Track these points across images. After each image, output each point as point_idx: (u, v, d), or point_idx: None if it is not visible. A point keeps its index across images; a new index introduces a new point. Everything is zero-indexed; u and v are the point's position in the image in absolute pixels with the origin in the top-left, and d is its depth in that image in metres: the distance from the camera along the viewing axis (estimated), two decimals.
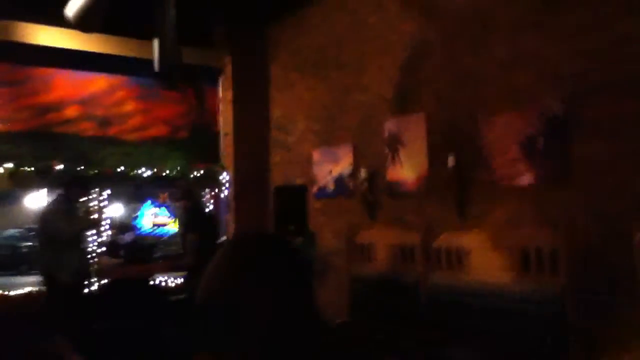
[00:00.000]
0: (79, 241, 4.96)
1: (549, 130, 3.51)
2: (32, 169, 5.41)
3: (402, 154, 4.64)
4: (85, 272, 5.00)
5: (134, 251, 5.51)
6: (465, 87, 4.07)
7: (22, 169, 5.41)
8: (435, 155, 4.28)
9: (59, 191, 5.05)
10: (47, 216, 4.87)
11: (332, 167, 5.56)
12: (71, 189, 4.94)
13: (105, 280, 5.26)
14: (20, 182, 5.58)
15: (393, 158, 4.73)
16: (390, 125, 4.77)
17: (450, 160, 4.05)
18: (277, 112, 6.44)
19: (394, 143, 4.72)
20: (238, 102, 6.47)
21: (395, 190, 4.72)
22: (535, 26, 3.59)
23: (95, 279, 5.32)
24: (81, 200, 5.18)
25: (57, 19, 4.56)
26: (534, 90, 3.59)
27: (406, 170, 4.60)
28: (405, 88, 4.57)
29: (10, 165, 5.38)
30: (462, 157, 4.00)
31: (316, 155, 5.80)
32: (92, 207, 5.57)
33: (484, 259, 3.80)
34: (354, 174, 5.20)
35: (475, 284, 3.81)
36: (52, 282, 4.63)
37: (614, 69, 3.16)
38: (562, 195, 3.40)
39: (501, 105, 3.78)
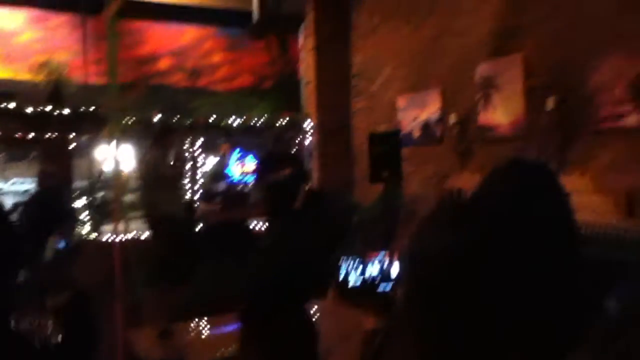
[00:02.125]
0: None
1: None
2: (133, 119, 5.67)
3: (497, 97, 4.59)
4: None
5: (229, 197, 5.80)
6: (574, 29, 3.92)
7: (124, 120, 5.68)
8: (533, 98, 4.21)
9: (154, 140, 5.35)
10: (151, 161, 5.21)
11: (418, 113, 5.57)
12: (166, 139, 5.24)
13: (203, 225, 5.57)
14: (122, 133, 5.86)
15: (486, 102, 4.69)
16: (484, 68, 4.70)
17: (550, 103, 3.98)
18: (360, 58, 6.44)
19: (488, 87, 4.66)
20: (320, 49, 6.50)
21: (487, 135, 4.70)
22: None
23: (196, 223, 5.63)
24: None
25: None
26: None
27: (500, 114, 4.56)
28: (506, 30, 4.46)
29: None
30: (563, 100, 3.92)
31: (401, 102, 5.81)
32: (185, 155, 5.88)
33: (585, 203, 3.78)
34: (442, 119, 5.20)
35: None
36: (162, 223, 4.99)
37: None
38: None
39: (610, 47, 3.66)
